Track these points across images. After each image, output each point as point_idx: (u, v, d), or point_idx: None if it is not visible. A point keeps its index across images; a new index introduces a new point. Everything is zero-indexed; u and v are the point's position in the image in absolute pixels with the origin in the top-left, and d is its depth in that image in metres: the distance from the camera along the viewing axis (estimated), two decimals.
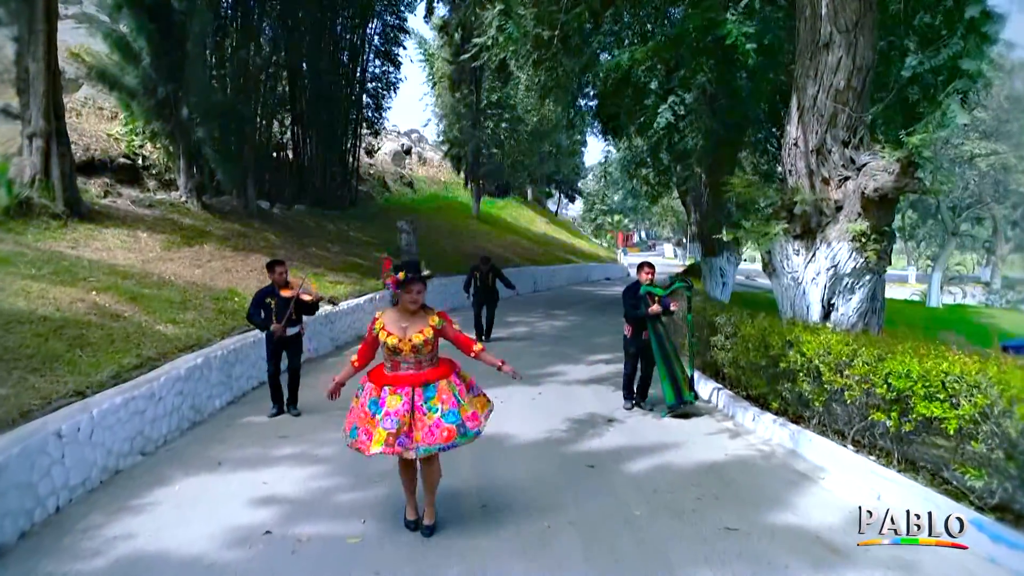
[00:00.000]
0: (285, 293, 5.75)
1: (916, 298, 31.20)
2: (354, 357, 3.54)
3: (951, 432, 3.47)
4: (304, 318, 6.11)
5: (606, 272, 31.78)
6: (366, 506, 3.99)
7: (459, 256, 18.22)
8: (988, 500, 3.46)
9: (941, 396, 3.53)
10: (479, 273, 10.25)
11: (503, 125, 28.85)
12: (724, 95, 8.18)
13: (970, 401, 3.35)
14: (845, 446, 4.66)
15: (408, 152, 33.72)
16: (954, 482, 3.67)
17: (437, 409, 3.36)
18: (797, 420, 5.35)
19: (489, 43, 6.18)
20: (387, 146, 29.41)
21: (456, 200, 28.00)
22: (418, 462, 3.48)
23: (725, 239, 5.70)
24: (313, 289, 5.78)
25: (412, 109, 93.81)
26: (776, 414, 5.52)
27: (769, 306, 7.26)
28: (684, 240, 52.07)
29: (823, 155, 5.78)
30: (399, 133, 37.07)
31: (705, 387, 6.94)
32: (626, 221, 64.64)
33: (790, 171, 6.07)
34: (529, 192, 41.28)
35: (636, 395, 6.45)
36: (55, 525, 3.70)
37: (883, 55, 6.31)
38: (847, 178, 5.70)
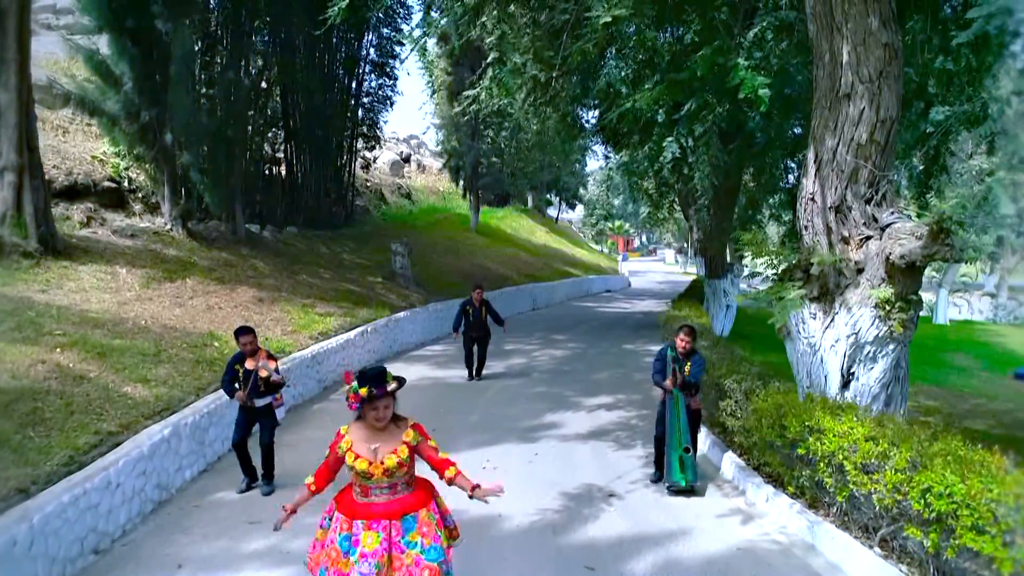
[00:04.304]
0: (248, 365, 5.29)
1: (922, 313, 30.70)
2: (310, 479, 3.04)
3: (1005, 574, 3.02)
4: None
5: (607, 284, 31.40)
6: None
7: (457, 275, 17.75)
8: None
9: (992, 531, 3.08)
10: (471, 308, 9.81)
11: (503, 134, 28.40)
12: (737, 134, 7.74)
13: None
14: (871, 547, 4.22)
15: (407, 160, 33.26)
16: None
17: (416, 545, 2.90)
18: (815, 504, 4.91)
19: (483, 95, 5.74)
20: (385, 156, 28.93)
21: (454, 212, 27.51)
22: None
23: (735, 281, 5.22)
24: (271, 366, 5.33)
25: (412, 114, 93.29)
26: (792, 496, 5.07)
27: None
28: (685, 246, 51.53)
29: (842, 212, 5.33)
30: (398, 140, 36.58)
31: (714, 452, 6.49)
32: (627, 226, 64.26)
33: (806, 227, 5.62)
34: (529, 199, 40.80)
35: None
36: None
37: (904, 100, 5.86)
38: (869, 238, 5.25)
